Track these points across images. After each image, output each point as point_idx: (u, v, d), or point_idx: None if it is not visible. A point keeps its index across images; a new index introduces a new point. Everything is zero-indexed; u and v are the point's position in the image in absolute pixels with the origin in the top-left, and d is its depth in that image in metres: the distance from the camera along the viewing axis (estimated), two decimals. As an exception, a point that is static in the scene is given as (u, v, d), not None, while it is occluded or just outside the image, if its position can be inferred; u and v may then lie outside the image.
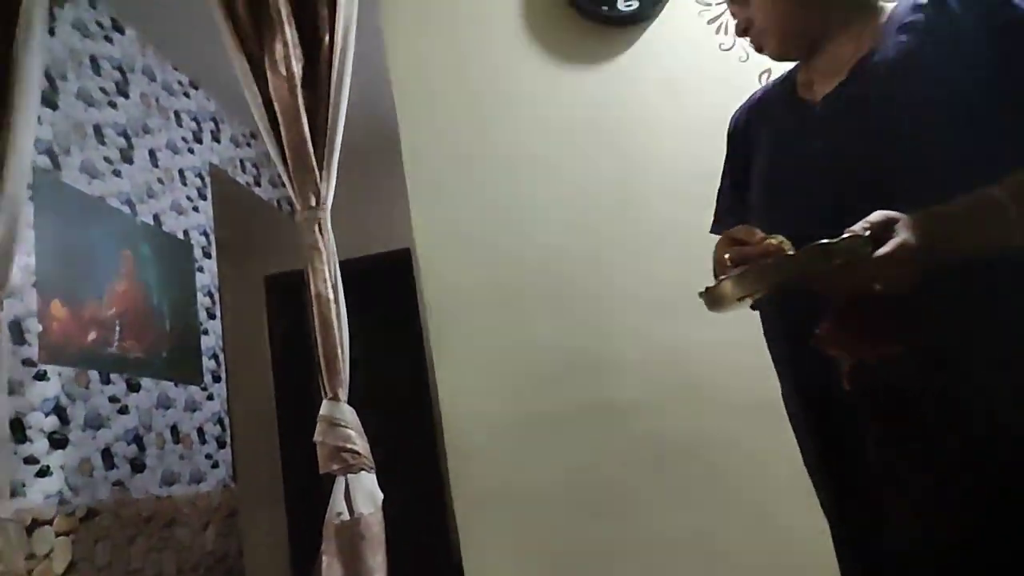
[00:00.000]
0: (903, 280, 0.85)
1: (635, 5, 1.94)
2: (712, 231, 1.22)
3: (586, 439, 1.73)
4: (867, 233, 0.84)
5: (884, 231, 0.85)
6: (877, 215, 0.86)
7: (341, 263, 1.97)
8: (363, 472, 1.88)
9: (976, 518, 0.89)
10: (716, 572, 1.62)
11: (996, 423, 0.90)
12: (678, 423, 1.68)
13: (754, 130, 1.18)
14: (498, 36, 2.02)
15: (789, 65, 1.19)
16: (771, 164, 1.10)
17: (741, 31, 1.14)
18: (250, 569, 3.43)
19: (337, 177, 2.00)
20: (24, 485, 2.21)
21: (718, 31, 1.94)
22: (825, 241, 0.84)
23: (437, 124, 2.00)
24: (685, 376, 1.69)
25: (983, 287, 0.92)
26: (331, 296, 1.91)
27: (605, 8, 1.94)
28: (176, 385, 3.04)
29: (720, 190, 1.25)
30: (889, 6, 1.09)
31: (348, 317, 1.95)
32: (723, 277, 0.89)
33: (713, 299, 0.91)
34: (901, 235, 0.84)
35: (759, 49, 1.14)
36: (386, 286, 4.38)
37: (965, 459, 0.91)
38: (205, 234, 3.49)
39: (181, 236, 3.29)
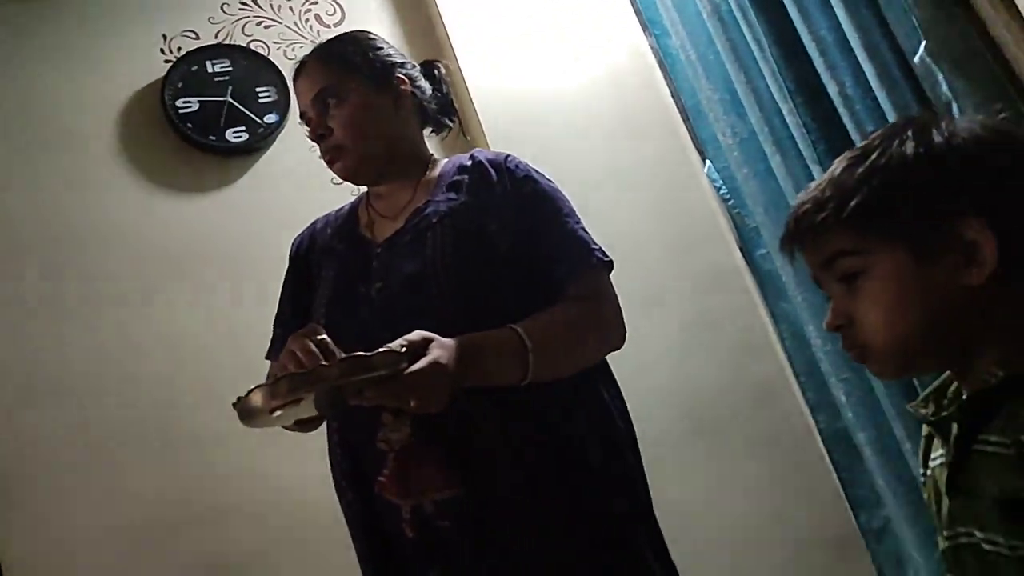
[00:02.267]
0: (434, 398, 0.91)
1: (245, 137, 1.94)
2: (268, 357, 1.22)
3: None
4: (403, 349, 0.90)
5: (420, 349, 0.91)
6: (415, 334, 0.93)
7: None
8: None
9: None
10: None
11: (526, 558, 1.00)
12: (299, 571, 1.58)
13: (316, 258, 1.23)
14: (94, 164, 1.88)
15: None
16: (333, 302, 1.15)
17: (316, 137, 1.18)
18: None
19: None
20: None
21: (331, 165, 2.00)
22: (361, 353, 0.87)
23: (20, 258, 1.76)
24: (309, 520, 1.60)
25: (520, 436, 1.03)
26: None
27: (213, 138, 1.91)
28: None
29: (278, 314, 1.26)
30: (441, 162, 1.23)
31: None
32: (253, 387, 0.86)
33: (244, 411, 0.87)
34: (435, 353, 0.92)
35: (330, 162, 1.19)
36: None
37: None
38: None
39: None
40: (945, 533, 0.74)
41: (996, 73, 1.24)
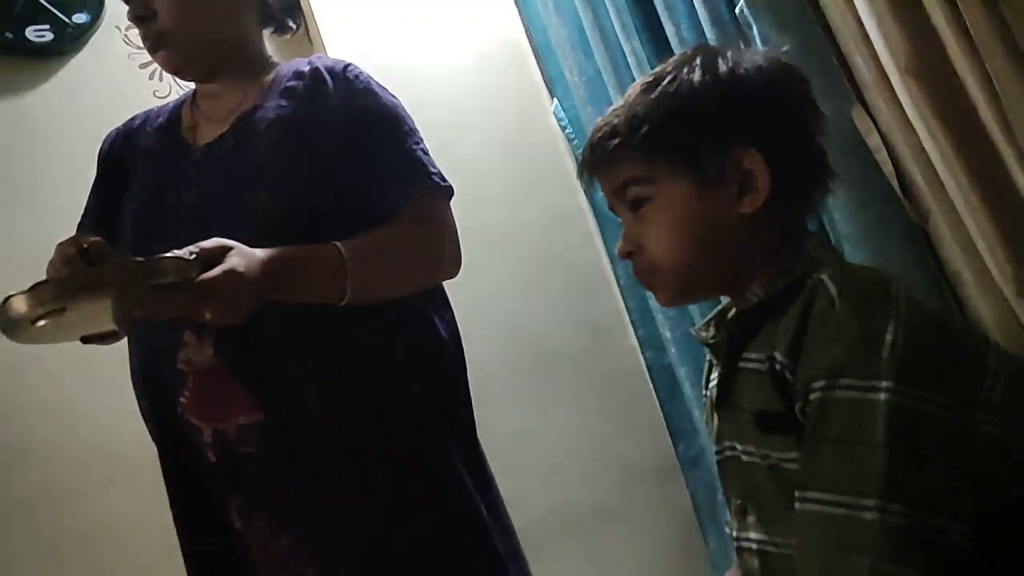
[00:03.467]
0: (229, 310, 0.86)
1: (49, 37, 1.75)
2: None
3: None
4: (193, 256, 0.84)
5: (215, 257, 0.85)
6: (211, 241, 0.87)
7: None
8: None
9: (327, 572, 0.97)
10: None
11: (332, 485, 0.98)
12: (105, 508, 1.50)
13: (131, 158, 1.13)
14: None
15: None
16: (144, 208, 1.07)
17: (136, 18, 1.05)
18: None
19: None
20: None
21: (152, 77, 1.85)
22: (142, 258, 0.80)
23: None
24: (109, 454, 1.52)
25: (332, 360, 1.00)
26: None
27: (9, 35, 1.71)
28: None
29: (82, 219, 1.16)
30: (278, 66, 1.15)
31: None
32: (13, 293, 0.76)
33: (5, 321, 0.76)
34: (232, 261, 0.86)
35: (151, 50, 1.07)
36: None
37: (308, 519, 0.98)
38: None
39: None
40: (715, 448, 0.80)
41: (815, 27, 1.31)
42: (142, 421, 1.11)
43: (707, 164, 0.72)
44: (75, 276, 0.79)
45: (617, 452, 1.98)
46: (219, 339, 0.96)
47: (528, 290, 2.02)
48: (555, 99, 2.05)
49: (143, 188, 1.08)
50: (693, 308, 1.77)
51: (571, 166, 2.09)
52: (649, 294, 1.87)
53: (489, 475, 1.13)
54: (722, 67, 0.73)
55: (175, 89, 1.84)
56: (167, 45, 1.06)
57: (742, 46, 0.77)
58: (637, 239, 0.76)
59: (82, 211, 1.18)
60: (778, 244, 0.73)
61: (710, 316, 0.84)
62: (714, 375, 0.82)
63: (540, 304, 2.02)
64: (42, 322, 0.77)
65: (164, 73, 1.85)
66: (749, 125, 0.71)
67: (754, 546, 0.73)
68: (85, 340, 0.88)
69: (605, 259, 2.07)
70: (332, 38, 1.90)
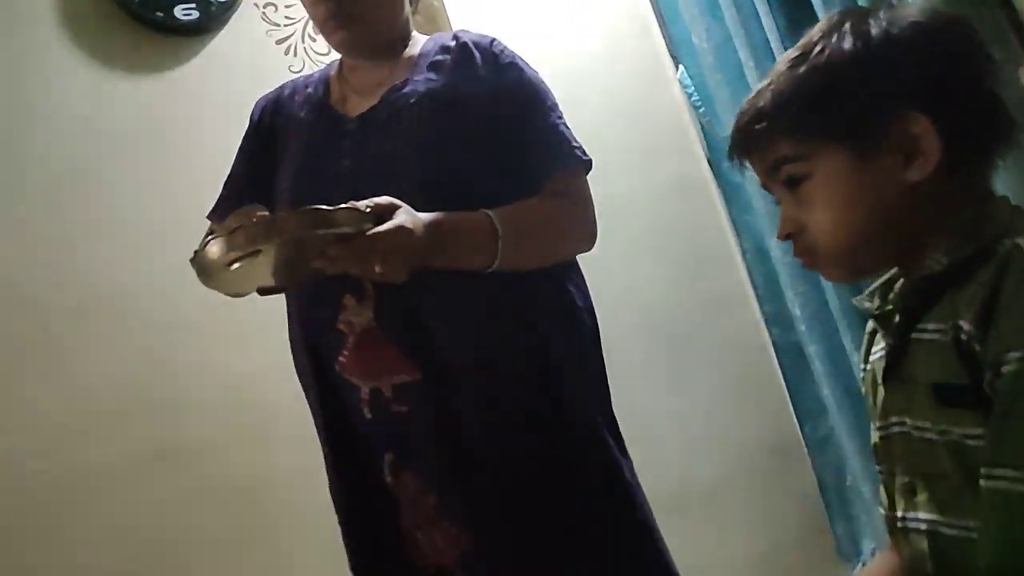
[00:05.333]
0: (398, 265, 0.90)
1: (195, 15, 1.84)
2: (209, 217, 1.23)
3: (150, 488, 1.56)
4: (368, 210, 0.88)
5: (386, 213, 0.90)
6: (383, 198, 0.92)
7: None
8: None
9: (474, 531, 1.00)
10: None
11: (483, 446, 1.01)
12: (250, 460, 1.60)
13: (282, 127, 1.18)
14: (33, 41, 1.75)
15: None
16: (300, 176, 1.12)
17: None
18: None
19: None
20: None
21: (287, 52, 1.93)
22: (324, 207, 0.85)
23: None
24: (257, 410, 1.62)
25: (483, 325, 1.03)
26: None
27: (160, 15, 1.81)
28: None
29: (230, 176, 1.23)
30: (422, 40, 1.18)
31: None
32: (209, 238, 0.84)
33: (201, 266, 0.85)
34: (401, 218, 0.90)
35: (333, 29, 1.09)
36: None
37: (457, 478, 1.01)
38: None
39: None
40: (878, 424, 0.77)
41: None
42: (290, 379, 1.18)
43: (865, 134, 0.68)
44: (265, 222, 0.85)
45: (736, 430, 1.94)
46: (378, 303, 1.00)
47: (647, 261, 1.99)
48: (680, 66, 2.00)
49: (297, 158, 1.13)
50: (827, 286, 1.70)
51: (695, 134, 2.04)
52: (778, 269, 1.83)
53: (624, 443, 1.13)
54: (874, 29, 0.68)
55: (308, 65, 1.91)
56: (350, 26, 1.09)
57: (894, 3, 0.72)
58: (797, 219, 0.73)
59: (227, 176, 1.25)
60: (960, 208, 0.69)
61: (874, 286, 0.80)
62: (877, 348, 0.79)
63: (659, 276, 1.99)
64: (236, 265, 0.84)
65: (299, 48, 1.96)
66: (909, 87, 0.67)
67: (923, 526, 0.70)
68: (261, 292, 0.94)
69: (729, 231, 2.01)
70: (457, 10, 1.93)
